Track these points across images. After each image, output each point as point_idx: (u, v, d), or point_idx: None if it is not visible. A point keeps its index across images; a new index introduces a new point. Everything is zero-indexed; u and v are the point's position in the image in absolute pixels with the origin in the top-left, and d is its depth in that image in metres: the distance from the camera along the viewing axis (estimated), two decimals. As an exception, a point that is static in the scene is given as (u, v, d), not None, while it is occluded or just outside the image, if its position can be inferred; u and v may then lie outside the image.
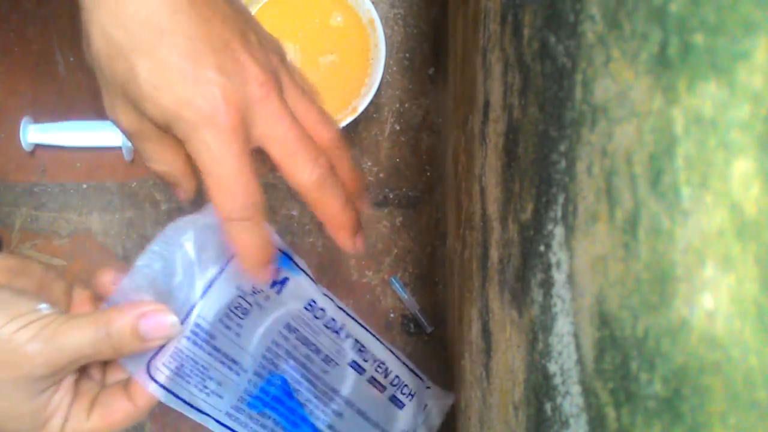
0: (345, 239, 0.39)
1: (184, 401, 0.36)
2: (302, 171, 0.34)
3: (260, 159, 0.67)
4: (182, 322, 0.35)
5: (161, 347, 0.35)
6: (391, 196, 0.68)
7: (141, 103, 0.31)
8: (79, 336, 0.32)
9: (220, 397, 0.36)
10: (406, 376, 0.42)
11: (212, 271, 0.36)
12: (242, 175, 0.32)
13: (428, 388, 0.43)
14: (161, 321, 0.34)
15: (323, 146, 0.36)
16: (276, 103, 0.33)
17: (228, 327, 0.36)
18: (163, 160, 0.35)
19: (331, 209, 0.37)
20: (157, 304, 0.34)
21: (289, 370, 0.38)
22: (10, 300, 0.32)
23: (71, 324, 0.32)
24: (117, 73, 0.31)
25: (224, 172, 0.32)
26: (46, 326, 0.32)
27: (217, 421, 0.36)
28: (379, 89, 0.64)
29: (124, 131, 0.34)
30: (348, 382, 0.40)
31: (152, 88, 0.31)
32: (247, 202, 0.32)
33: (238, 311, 0.36)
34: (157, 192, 0.67)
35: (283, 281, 0.39)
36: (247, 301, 0.37)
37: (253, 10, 0.63)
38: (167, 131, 0.32)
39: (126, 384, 0.36)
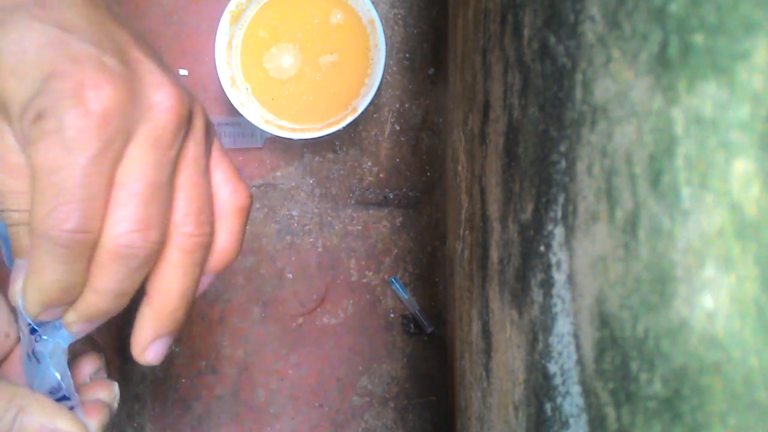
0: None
1: None
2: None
3: (258, 159, 0.67)
4: None
5: None
6: (391, 196, 0.68)
7: None
8: None
9: None
10: None
11: None
12: (90, 184, 0.24)
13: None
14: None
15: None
16: (170, 130, 0.26)
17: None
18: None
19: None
20: None
21: None
22: None
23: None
24: None
25: (71, 171, 0.24)
26: None
27: None
28: (379, 89, 0.64)
29: None
30: None
31: (17, 55, 0.24)
32: (81, 222, 0.24)
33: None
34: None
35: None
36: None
37: (253, 11, 0.63)
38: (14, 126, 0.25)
39: None
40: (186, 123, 0.27)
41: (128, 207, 0.25)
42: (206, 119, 0.29)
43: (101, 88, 0.24)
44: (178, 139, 0.27)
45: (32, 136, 0.24)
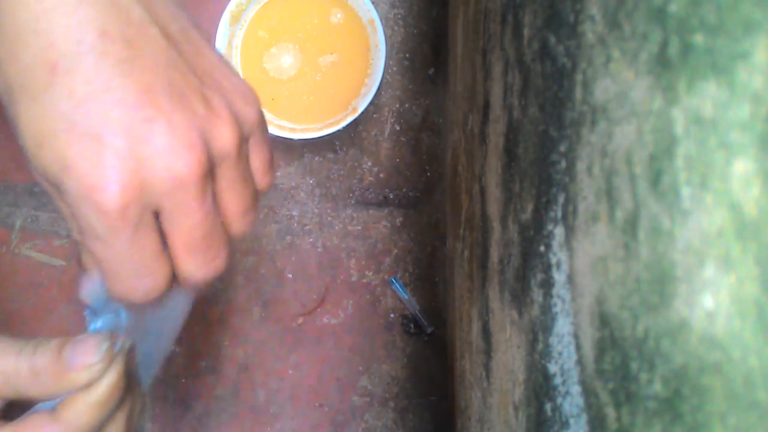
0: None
1: None
2: (193, 269, 0.29)
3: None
4: None
5: None
6: (391, 196, 0.68)
7: (30, 164, 0.26)
8: None
9: None
10: None
11: None
12: (133, 261, 0.26)
13: None
14: (90, 343, 0.29)
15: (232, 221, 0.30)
16: (192, 192, 0.26)
17: None
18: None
19: None
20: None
21: None
22: None
23: None
24: (9, 120, 0.25)
25: (113, 257, 0.26)
26: None
27: None
28: (379, 89, 0.64)
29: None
30: None
31: (34, 144, 0.24)
32: (145, 288, 0.27)
33: None
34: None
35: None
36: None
37: (253, 11, 0.63)
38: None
39: None
40: (207, 174, 0.27)
41: (195, 257, 0.28)
42: (231, 139, 0.28)
43: (107, 189, 0.24)
44: (208, 183, 0.27)
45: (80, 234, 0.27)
